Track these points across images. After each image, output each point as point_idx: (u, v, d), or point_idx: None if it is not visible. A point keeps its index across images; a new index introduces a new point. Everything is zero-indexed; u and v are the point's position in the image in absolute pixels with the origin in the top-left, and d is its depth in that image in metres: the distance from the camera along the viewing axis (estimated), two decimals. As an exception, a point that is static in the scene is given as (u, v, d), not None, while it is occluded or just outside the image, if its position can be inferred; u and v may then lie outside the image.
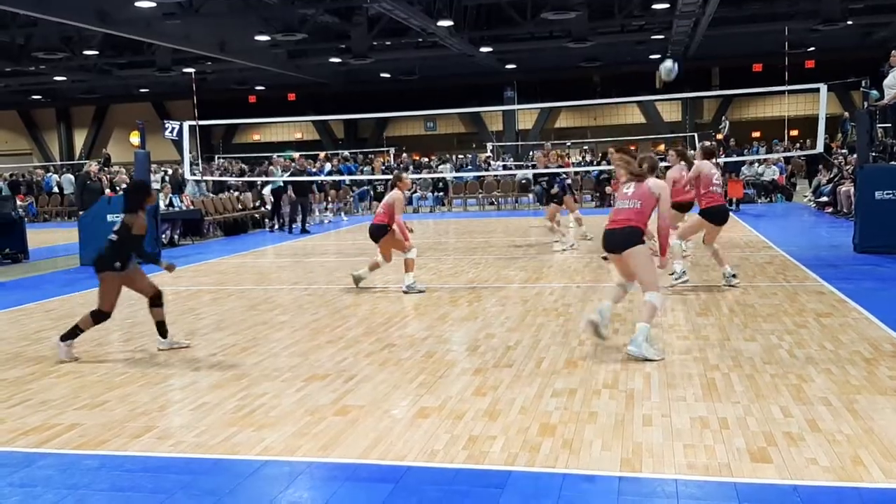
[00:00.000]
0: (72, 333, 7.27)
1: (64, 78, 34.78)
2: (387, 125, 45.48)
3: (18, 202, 17.23)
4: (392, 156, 33.99)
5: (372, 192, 25.94)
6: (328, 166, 26.52)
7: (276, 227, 20.72)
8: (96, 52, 29.12)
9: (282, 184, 20.20)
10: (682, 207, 10.64)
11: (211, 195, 21.66)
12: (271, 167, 21.82)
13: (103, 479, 4.38)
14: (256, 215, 21.47)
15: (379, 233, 10.02)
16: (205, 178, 23.11)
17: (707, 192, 9.51)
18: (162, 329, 7.46)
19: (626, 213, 6.71)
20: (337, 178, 24.56)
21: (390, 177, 13.66)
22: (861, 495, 3.84)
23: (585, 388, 5.66)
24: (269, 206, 21.26)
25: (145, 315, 9.12)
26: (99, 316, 7.33)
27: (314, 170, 23.74)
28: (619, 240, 6.66)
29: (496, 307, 8.86)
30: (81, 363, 6.99)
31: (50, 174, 32.75)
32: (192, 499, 4.09)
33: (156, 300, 7.44)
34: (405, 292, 9.95)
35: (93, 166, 16.90)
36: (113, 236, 7.42)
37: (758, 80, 30.03)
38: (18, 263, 15.01)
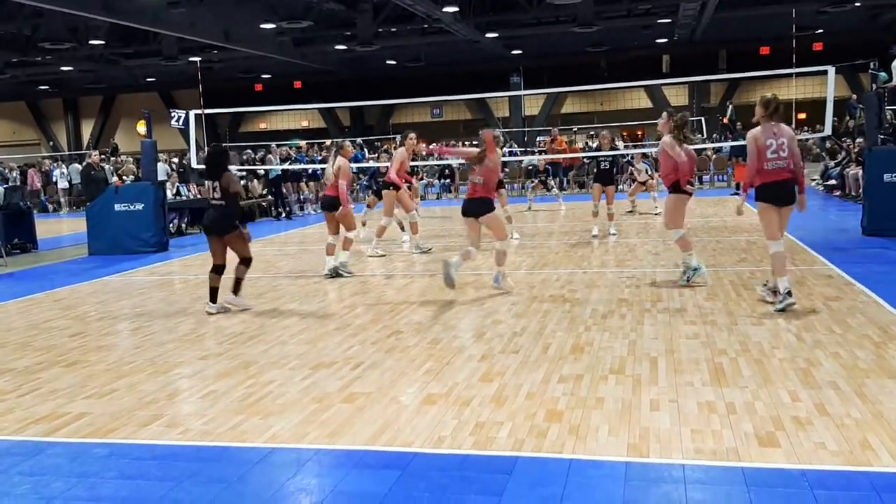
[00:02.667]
0: (236, 288, 8.53)
1: (71, 68, 34.76)
2: (393, 112, 45.36)
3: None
4: (398, 143, 33.92)
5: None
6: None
7: (283, 215, 20.75)
8: (103, 43, 29.08)
9: (280, 172, 20.24)
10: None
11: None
12: (269, 156, 21.79)
13: (112, 467, 4.41)
14: (264, 203, 21.49)
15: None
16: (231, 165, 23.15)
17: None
18: (237, 286, 8.53)
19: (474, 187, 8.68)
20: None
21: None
22: (870, 479, 3.83)
23: (592, 374, 5.65)
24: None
25: (154, 305, 9.20)
26: (248, 262, 8.58)
27: (319, 157, 23.68)
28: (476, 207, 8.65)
29: (502, 293, 8.85)
30: (89, 352, 7.02)
31: (56, 164, 32.77)
32: (200, 486, 4.11)
33: (246, 261, 8.55)
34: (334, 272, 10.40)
35: (94, 156, 16.91)
36: (220, 202, 8.32)
37: (765, 63, 29.85)
38: (27, 253, 15.08)
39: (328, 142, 27.09)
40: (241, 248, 8.47)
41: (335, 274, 10.39)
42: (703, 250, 11.27)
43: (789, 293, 7.35)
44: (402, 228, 14.09)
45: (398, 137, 31.93)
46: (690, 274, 8.80)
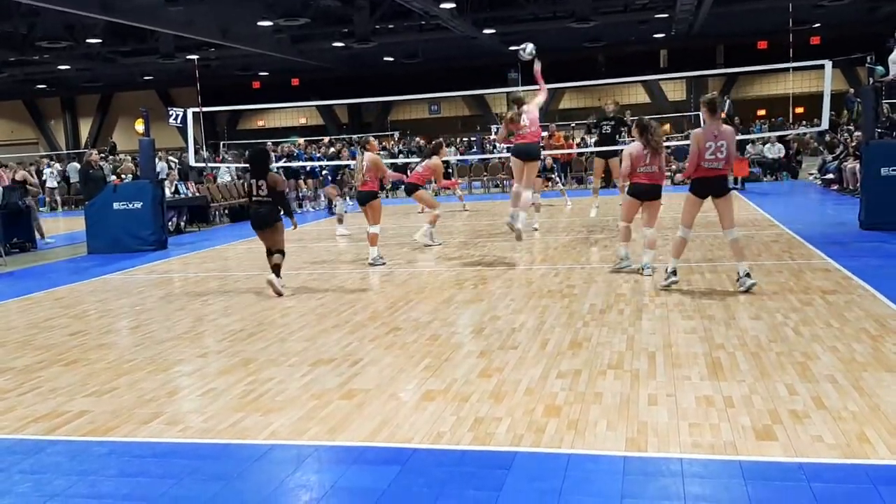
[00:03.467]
0: (277, 272, 9.23)
1: (68, 67, 34.75)
2: (391, 109, 45.38)
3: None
4: (396, 139, 33.94)
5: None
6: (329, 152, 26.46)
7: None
8: (100, 41, 29.08)
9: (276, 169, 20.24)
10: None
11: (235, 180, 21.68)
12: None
13: (112, 465, 4.43)
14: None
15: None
16: (207, 164, 23.12)
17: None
18: (277, 271, 9.26)
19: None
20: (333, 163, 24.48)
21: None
22: (867, 472, 3.85)
23: (590, 369, 5.67)
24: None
25: (153, 303, 9.23)
26: (283, 253, 9.41)
27: (318, 155, 23.68)
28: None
29: (501, 289, 8.87)
30: (89, 350, 7.03)
31: (52, 163, 32.74)
32: (200, 483, 4.12)
33: (281, 252, 9.39)
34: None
35: (93, 155, 16.91)
36: (268, 198, 9.19)
37: (762, 58, 29.83)
38: (27, 252, 15.09)
39: (327, 139, 27.11)
40: (278, 240, 9.31)
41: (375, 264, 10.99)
42: (700, 245, 11.31)
43: (674, 272, 8.42)
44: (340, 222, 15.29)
45: (395, 134, 31.85)
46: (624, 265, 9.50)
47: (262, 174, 9.21)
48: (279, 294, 9.06)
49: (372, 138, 12.72)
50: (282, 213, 9.34)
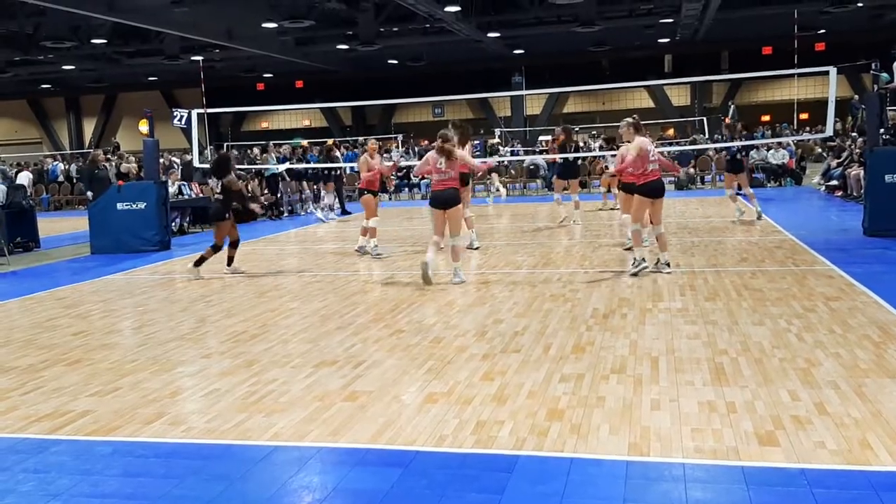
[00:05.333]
0: (198, 262, 10.80)
1: (72, 67, 34.79)
2: (395, 112, 45.41)
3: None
4: (400, 142, 33.98)
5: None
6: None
7: (286, 213, 20.79)
8: (104, 41, 29.12)
9: (276, 171, 20.26)
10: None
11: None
12: (265, 154, 21.75)
13: (116, 465, 4.44)
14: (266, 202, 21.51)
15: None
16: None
17: (645, 169, 9.52)
18: (230, 261, 11.01)
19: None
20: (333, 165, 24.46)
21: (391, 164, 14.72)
22: (869, 478, 3.85)
23: (593, 373, 5.68)
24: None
25: (156, 303, 9.25)
26: (216, 249, 10.74)
27: (317, 158, 23.61)
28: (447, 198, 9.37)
29: (504, 293, 8.87)
30: (92, 350, 7.04)
31: (56, 163, 32.82)
32: (203, 484, 4.13)
33: (235, 243, 11.03)
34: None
35: (99, 155, 16.94)
36: (219, 196, 10.92)
37: (767, 64, 29.85)
38: (30, 252, 15.12)
39: (330, 141, 27.10)
40: (219, 235, 10.74)
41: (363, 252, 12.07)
42: (704, 250, 11.30)
43: (644, 259, 9.60)
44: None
45: (399, 137, 31.88)
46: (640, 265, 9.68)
47: (222, 176, 10.75)
48: (239, 272, 10.90)
49: (372, 141, 13.22)
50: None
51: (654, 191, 9.56)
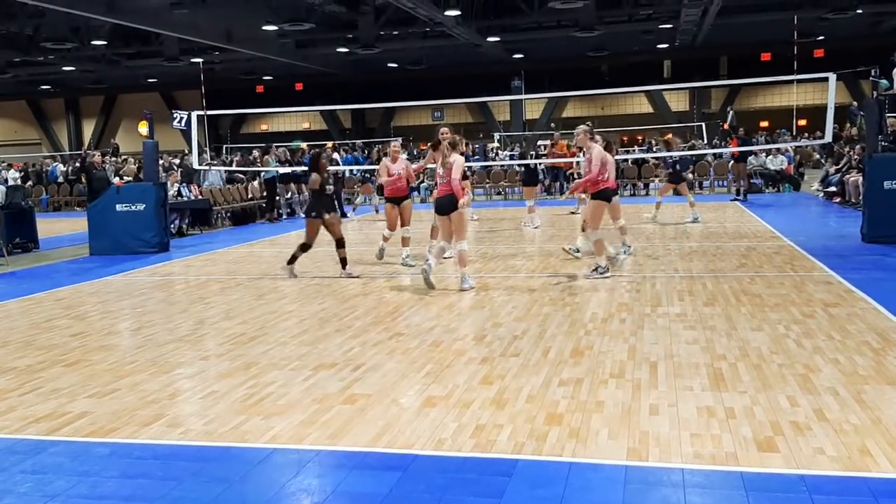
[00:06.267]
0: (291, 260, 10.71)
1: (72, 68, 34.82)
2: (394, 115, 45.45)
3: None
4: (399, 145, 33.98)
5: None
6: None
7: (285, 215, 20.79)
8: (104, 43, 29.16)
9: (275, 173, 20.26)
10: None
11: (228, 185, 21.65)
12: (266, 157, 21.73)
13: (114, 467, 4.43)
14: (264, 205, 21.50)
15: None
16: (214, 166, 23.12)
17: (604, 176, 9.93)
18: (344, 263, 10.60)
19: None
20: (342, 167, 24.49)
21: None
22: (868, 485, 3.85)
23: (592, 378, 5.68)
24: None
25: (155, 305, 9.24)
26: (303, 248, 10.59)
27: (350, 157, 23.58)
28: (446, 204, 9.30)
29: (503, 296, 8.87)
30: (91, 351, 7.04)
31: (56, 164, 32.82)
32: (201, 486, 4.12)
33: (339, 243, 10.57)
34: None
35: (96, 156, 16.94)
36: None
37: (766, 70, 29.91)
38: (29, 253, 15.10)
39: (329, 144, 27.15)
40: (308, 233, 10.48)
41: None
42: (702, 256, 11.32)
43: (608, 268, 9.87)
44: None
45: (399, 140, 31.98)
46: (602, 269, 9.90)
47: (311, 173, 10.64)
48: (354, 276, 10.61)
49: (395, 143, 12.21)
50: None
51: (610, 196, 10.25)
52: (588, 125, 10.32)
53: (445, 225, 9.52)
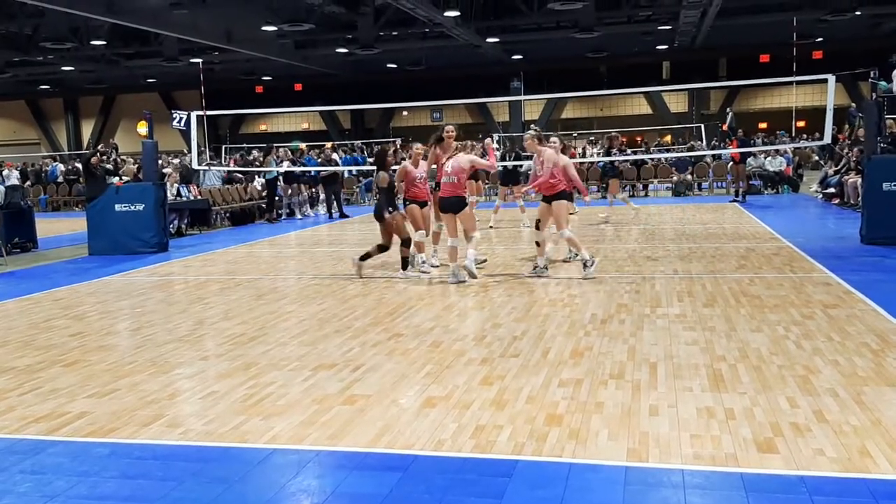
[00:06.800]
0: (364, 257, 10.50)
1: (72, 68, 34.81)
2: (393, 115, 45.45)
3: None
4: (399, 146, 33.98)
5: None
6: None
7: (284, 215, 20.80)
8: (104, 43, 29.14)
9: (276, 174, 20.26)
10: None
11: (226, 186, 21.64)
12: (269, 157, 21.70)
13: (113, 467, 4.42)
14: (263, 205, 21.50)
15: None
16: (215, 166, 23.11)
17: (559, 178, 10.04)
18: (405, 263, 10.41)
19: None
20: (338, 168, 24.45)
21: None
22: (868, 486, 3.85)
23: (592, 378, 5.68)
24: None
25: (154, 305, 9.23)
26: (381, 249, 10.39)
27: (317, 160, 23.60)
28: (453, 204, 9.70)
29: (502, 297, 8.87)
30: (90, 351, 7.03)
31: (55, 164, 32.79)
32: (201, 486, 4.12)
33: (406, 242, 10.37)
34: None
35: (94, 158, 16.92)
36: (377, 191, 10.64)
37: (765, 71, 29.91)
38: (28, 253, 15.10)
39: (329, 144, 27.13)
40: (385, 233, 10.35)
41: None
42: (701, 257, 11.32)
43: (587, 261, 9.93)
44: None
45: (398, 140, 31.76)
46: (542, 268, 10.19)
47: (379, 171, 10.55)
48: (412, 276, 10.46)
49: (419, 146, 11.02)
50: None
51: (569, 196, 10.54)
52: (535, 129, 10.48)
53: (452, 222, 9.82)
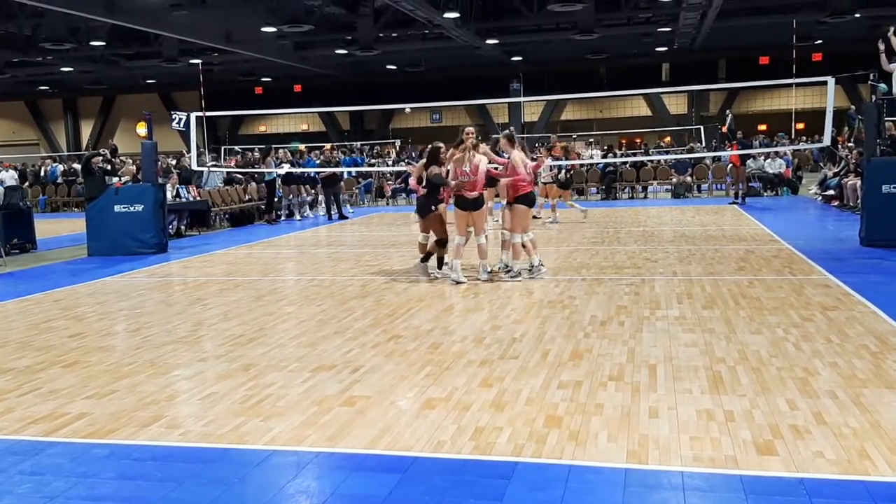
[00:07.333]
0: (426, 258, 10.47)
1: (71, 69, 34.78)
2: (393, 117, 45.43)
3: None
4: (398, 147, 34.01)
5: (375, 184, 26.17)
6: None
7: (283, 216, 20.79)
8: (103, 43, 29.11)
9: (275, 175, 20.24)
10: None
11: (226, 187, 21.63)
12: (269, 158, 21.67)
13: (112, 468, 4.42)
14: (263, 206, 21.48)
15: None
16: (215, 167, 23.08)
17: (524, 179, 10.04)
18: (440, 263, 10.52)
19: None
20: (339, 169, 24.42)
21: (402, 168, 14.05)
22: (867, 489, 3.85)
23: (591, 380, 5.68)
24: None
25: (153, 306, 9.23)
26: (440, 244, 10.43)
27: (316, 162, 23.60)
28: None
29: (502, 299, 8.87)
30: (89, 352, 7.03)
31: (55, 164, 32.77)
32: (200, 487, 4.12)
33: (442, 242, 10.38)
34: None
35: (95, 159, 16.92)
36: (423, 191, 10.25)
37: (764, 73, 29.90)
38: (27, 253, 15.09)
39: (328, 146, 27.13)
40: (436, 229, 10.34)
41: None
42: (701, 259, 11.32)
43: (541, 264, 10.21)
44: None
45: (397, 142, 31.78)
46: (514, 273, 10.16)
47: (428, 167, 10.31)
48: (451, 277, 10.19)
49: (440, 146, 10.49)
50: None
51: (532, 201, 10.35)
52: (510, 130, 10.76)
53: (463, 220, 9.91)
